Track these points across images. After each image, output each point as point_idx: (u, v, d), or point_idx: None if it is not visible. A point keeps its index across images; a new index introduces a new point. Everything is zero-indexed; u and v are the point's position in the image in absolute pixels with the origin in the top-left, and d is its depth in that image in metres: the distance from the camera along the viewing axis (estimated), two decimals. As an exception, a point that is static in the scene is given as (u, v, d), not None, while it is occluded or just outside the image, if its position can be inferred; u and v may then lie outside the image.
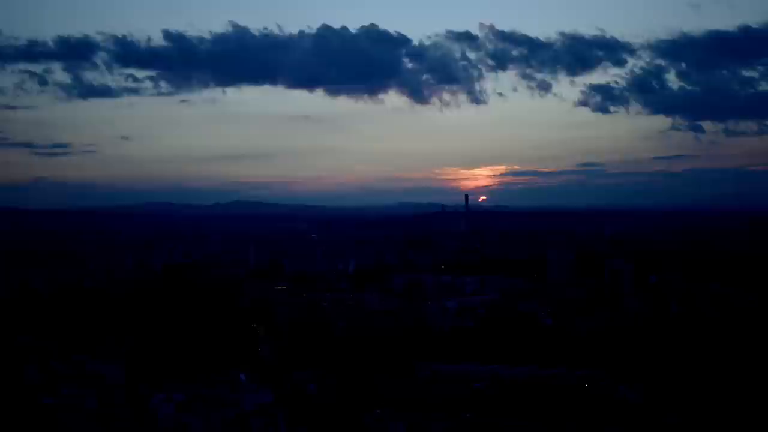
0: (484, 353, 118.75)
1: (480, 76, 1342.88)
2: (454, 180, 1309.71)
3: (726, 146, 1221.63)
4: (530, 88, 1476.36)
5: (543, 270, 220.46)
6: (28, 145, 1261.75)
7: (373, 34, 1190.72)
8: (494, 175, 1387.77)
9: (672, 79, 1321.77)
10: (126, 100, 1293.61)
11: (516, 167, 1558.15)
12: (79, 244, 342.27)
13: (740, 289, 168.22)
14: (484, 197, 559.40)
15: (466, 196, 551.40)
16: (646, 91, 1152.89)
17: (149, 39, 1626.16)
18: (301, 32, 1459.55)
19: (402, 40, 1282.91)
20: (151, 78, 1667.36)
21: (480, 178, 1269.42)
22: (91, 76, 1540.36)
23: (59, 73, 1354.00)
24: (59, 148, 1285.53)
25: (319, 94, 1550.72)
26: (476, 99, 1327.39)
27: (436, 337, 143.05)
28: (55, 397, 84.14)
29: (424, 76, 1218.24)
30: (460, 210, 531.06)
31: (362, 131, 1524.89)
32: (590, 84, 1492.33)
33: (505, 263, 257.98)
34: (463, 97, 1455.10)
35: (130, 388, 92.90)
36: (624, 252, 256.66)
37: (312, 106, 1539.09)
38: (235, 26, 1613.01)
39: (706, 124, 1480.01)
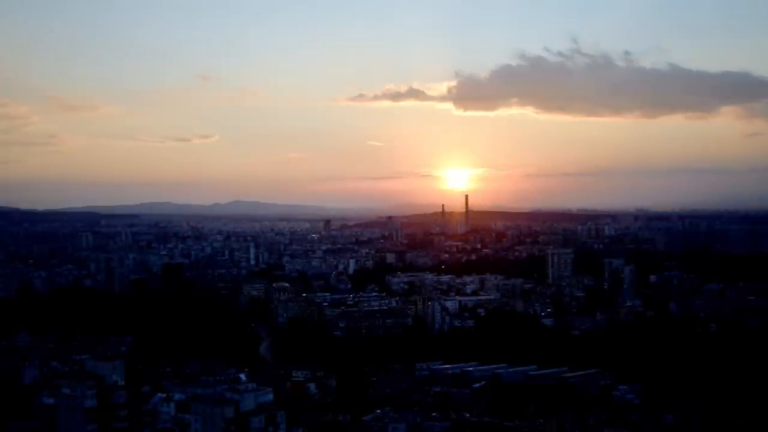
0: (484, 353, 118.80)
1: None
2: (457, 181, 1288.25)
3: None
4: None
5: (543, 270, 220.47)
6: (31, 143, 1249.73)
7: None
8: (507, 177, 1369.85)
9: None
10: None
11: (536, 170, 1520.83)
12: (79, 244, 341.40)
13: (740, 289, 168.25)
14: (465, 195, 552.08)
15: (466, 197, 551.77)
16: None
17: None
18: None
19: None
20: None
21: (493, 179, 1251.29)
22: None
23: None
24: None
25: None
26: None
27: (436, 337, 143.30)
28: (54, 397, 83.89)
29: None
30: (460, 210, 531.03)
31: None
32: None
33: (505, 263, 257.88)
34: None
35: (130, 388, 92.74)
36: (624, 252, 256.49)
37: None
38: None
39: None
